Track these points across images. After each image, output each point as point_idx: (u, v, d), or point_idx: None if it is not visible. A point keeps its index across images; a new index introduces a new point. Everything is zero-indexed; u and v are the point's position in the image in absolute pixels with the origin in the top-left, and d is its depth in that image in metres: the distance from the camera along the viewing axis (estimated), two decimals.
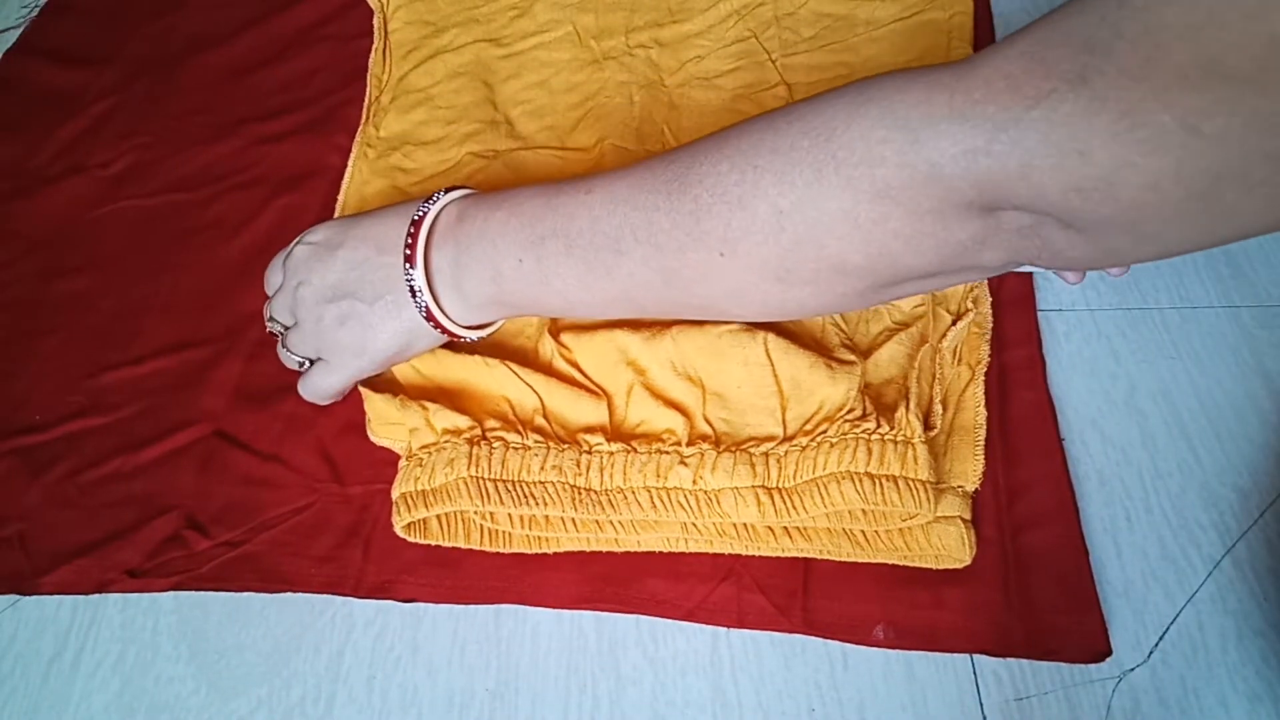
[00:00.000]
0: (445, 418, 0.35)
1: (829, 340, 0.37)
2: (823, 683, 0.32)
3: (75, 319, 0.44)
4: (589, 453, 0.34)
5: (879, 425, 0.32)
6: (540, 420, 0.35)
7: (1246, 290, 0.39)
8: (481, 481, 0.33)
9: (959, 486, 0.34)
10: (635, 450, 0.34)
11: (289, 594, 0.36)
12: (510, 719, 0.33)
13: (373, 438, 0.38)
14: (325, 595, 0.35)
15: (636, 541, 0.34)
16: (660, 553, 0.35)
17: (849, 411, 0.33)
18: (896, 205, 0.25)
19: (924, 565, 0.33)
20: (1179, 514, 0.34)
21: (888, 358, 0.36)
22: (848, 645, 0.33)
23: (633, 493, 0.33)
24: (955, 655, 0.32)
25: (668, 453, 0.34)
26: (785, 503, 0.32)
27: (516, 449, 0.34)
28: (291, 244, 0.37)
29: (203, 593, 0.36)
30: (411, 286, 0.33)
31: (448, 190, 0.35)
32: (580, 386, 0.36)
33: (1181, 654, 0.32)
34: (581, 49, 0.49)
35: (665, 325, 0.36)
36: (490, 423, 0.35)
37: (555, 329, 0.38)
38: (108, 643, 0.35)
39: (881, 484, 0.31)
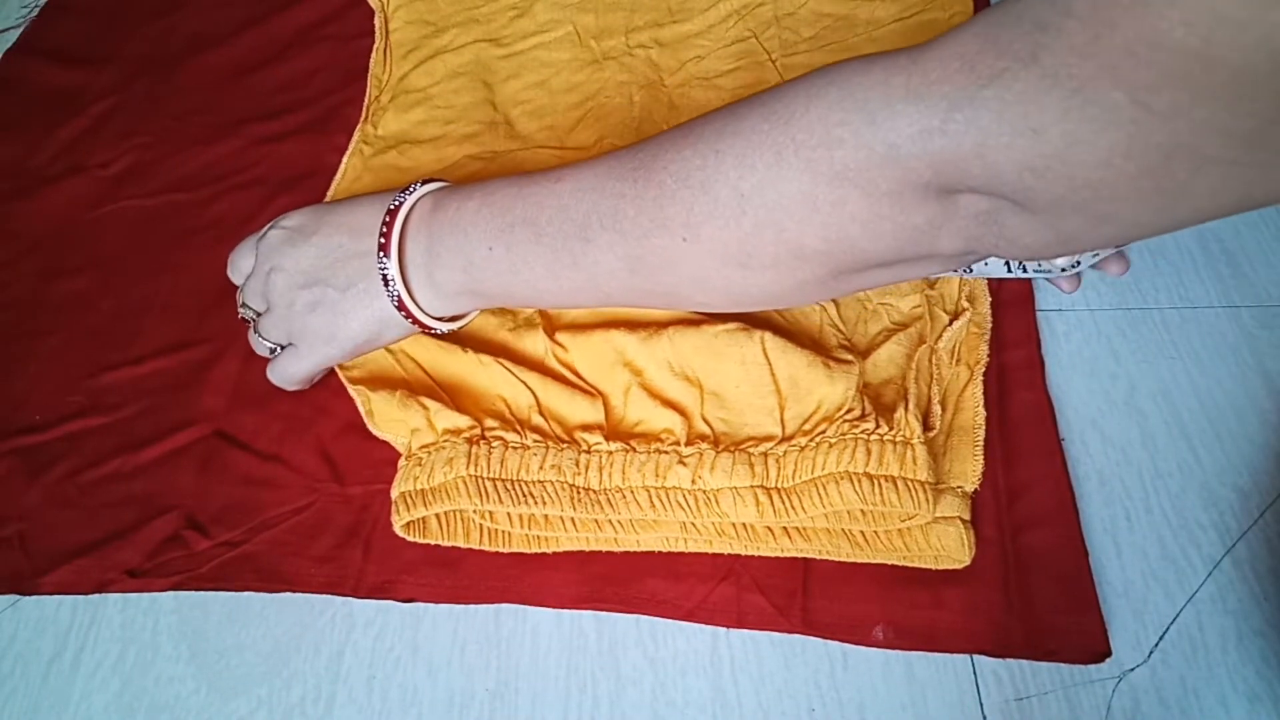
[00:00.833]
0: (446, 418, 0.35)
1: (827, 340, 0.37)
2: (823, 683, 0.32)
3: (75, 319, 0.44)
4: (588, 452, 0.34)
5: (878, 425, 0.32)
6: (537, 418, 0.35)
7: (1246, 290, 0.39)
8: (480, 480, 0.33)
9: (958, 487, 0.34)
10: (634, 450, 0.34)
11: (289, 594, 0.36)
12: (510, 719, 0.33)
13: (374, 431, 0.38)
14: (325, 595, 0.35)
15: (636, 541, 0.34)
16: (660, 552, 0.35)
17: (848, 411, 0.33)
18: (854, 188, 0.26)
19: (923, 565, 0.33)
20: (1179, 514, 0.34)
21: (886, 358, 0.36)
22: (848, 645, 0.33)
23: (632, 492, 0.33)
24: (955, 655, 0.32)
25: (666, 452, 0.34)
26: (784, 503, 0.32)
27: (515, 448, 0.34)
28: (265, 228, 0.37)
29: (203, 593, 0.36)
30: (384, 276, 0.33)
31: (425, 181, 0.35)
32: (574, 387, 0.36)
33: (1181, 654, 0.32)
34: (581, 49, 0.49)
35: (662, 325, 0.36)
36: (489, 422, 0.35)
37: (550, 327, 0.38)
38: (108, 643, 0.35)
39: (880, 484, 0.31)
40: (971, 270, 0.37)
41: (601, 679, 0.33)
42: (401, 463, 0.35)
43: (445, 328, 0.36)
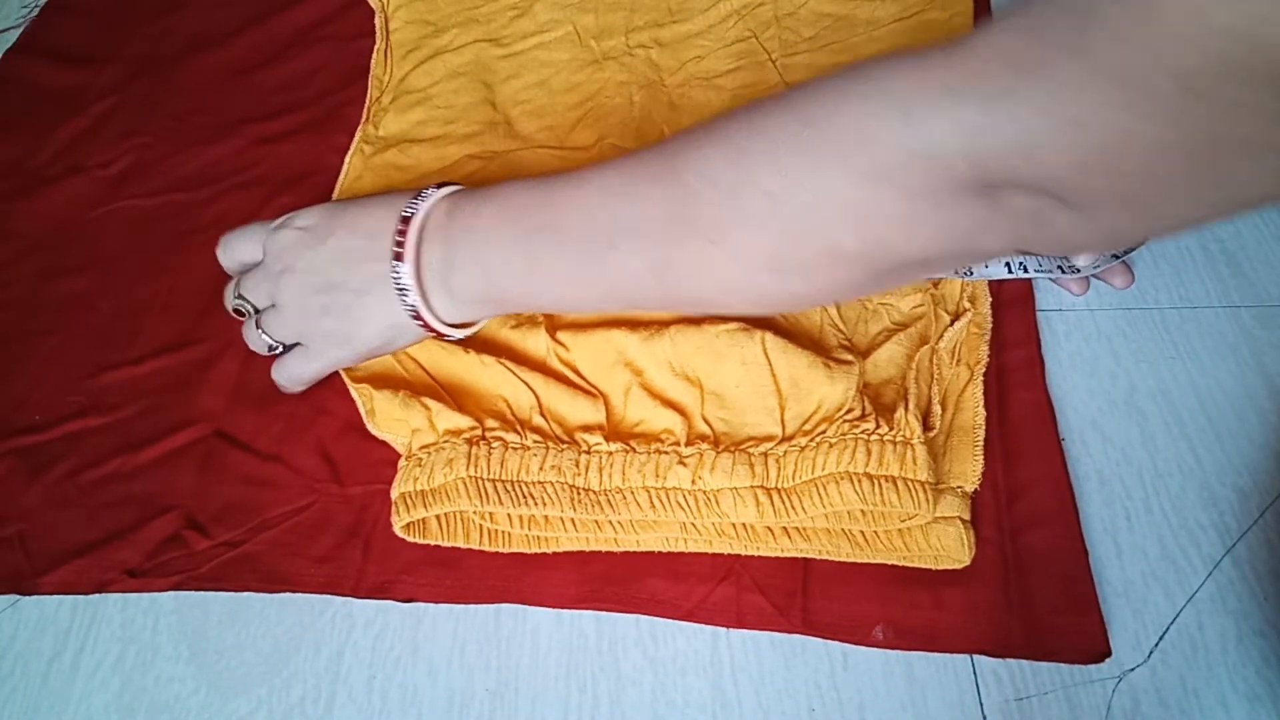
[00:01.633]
0: (447, 418, 0.35)
1: (827, 340, 0.37)
2: (823, 683, 0.32)
3: (75, 319, 0.44)
4: (588, 453, 0.34)
5: (878, 425, 0.32)
6: (538, 419, 0.35)
7: (1246, 290, 0.39)
8: (480, 481, 0.33)
9: (958, 487, 0.34)
10: (634, 450, 0.34)
11: (289, 594, 0.36)
12: (510, 719, 0.33)
13: (374, 431, 0.38)
14: (325, 595, 0.35)
15: (636, 541, 0.34)
16: (660, 553, 0.35)
17: (848, 411, 0.33)
18: (891, 187, 0.25)
19: (923, 566, 0.33)
20: (1179, 514, 0.34)
21: (886, 358, 0.36)
22: (848, 645, 0.33)
23: (631, 493, 0.33)
24: (955, 655, 0.32)
25: (666, 453, 0.34)
26: (784, 503, 0.32)
27: (515, 449, 0.34)
28: (275, 223, 0.37)
29: (203, 593, 0.36)
30: (399, 284, 0.33)
31: (440, 185, 0.35)
32: (576, 387, 0.36)
33: (1181, 654, 0.32)
34: (581, 49, 0.49)
35: (663, 325, 0.36)
36: (490, 422, 0.35)
37: (552, 326, 0.38)
38: (108, 643, 0.35)
39: (880, 484, 0.31)
40: (972, 273, 0.37)
41: (601, 679, 0.33)
42: (401, 463, 0.35)
43: (459, 334, 0.35)
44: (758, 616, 0.33)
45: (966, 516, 0.33)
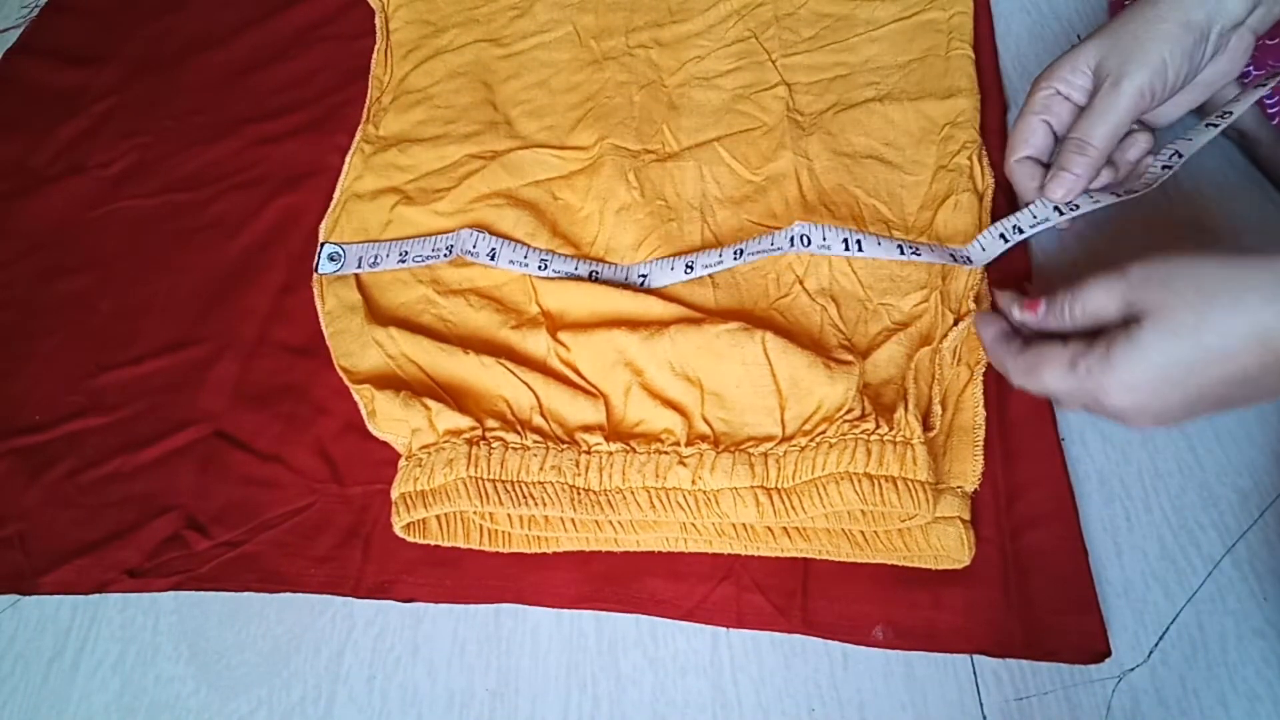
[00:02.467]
0: (448, 418, 0.35)
1: (827, 340, 0.37)
2: (823, 683, 0.32)
3: (75, 319, 0.44)
4: (588, 453, 0.34)
5: (878, 426, 0.32)
6: (538, 419, 0.35)
7: None
8: (480, 482, 0.33)
9: (958, 487, 0.34)
10: (634, 450, 0.34)
11: (289, 594, 0.36)
12: (510, 719, 0.33)
13: (375, 431, 0.38)
14: (325, 595, 0.35)
15: (636, 541, 0.34)
16: (660, 552, 0.35)
17: (848, 412, 0.33)
18: None
19: (923, 566, 0.33)
20: (1179, 514, 0.34)
21: (886, 358, 0.36)
22: (848, 645, 0.33)
23: (631, 493, 0.33)
24: (955, 655, 0.32)
25: (666, 453, 0.34)
26: (784, 503, 0.32)
27: (515, 449, 0.34)
28: None
29: (203, 593, 0.36)
30: None
31: None
32: (576, 387, 0.36)
33: (1181, 654, 0.32)
34: (581, 49, 0.49)
35: (663, 325, 0.36)
36: (490, 423, 0.35)
37: (553, 326, 0.38)
38: (108, 643, 0.35)
39: (880, 485, 0.31)
40: (971, 261, 0.37)
41: (601, 679, 0.33)
42: (401, 463, 0.35)
43: None
44: (758, 616, 0.33)
45: (966, 516, 0.33)
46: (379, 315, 0.40)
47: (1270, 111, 0.39)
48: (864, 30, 0.47)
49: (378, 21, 0.52)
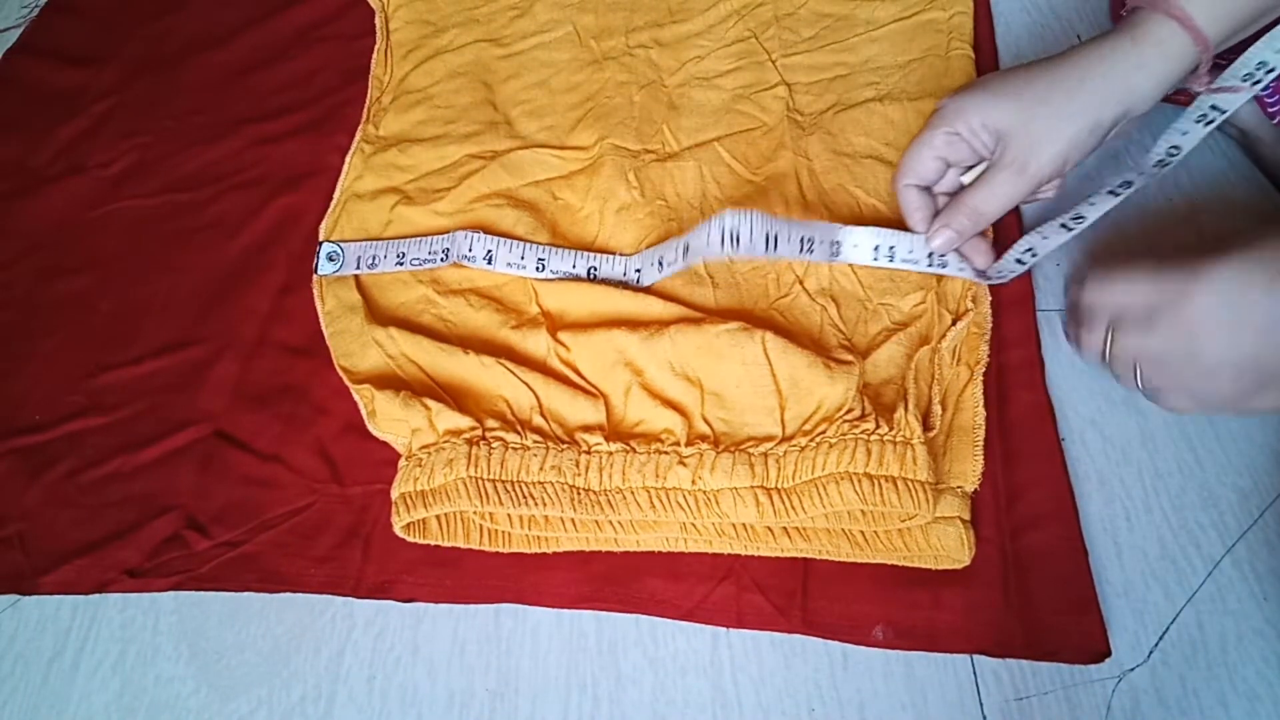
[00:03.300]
0: (448, 418, 0.35)
1: (827, 340, 0.37)
2: (823, 683, 0.32)
3: (75, 319, 0.44)
4: (588, 453, 0.34)
5: (878, 426, 0.32)
6: (538, 419, 0.35)
7: None
8: (480, 482, 0.33)
9: (958, 487, 0.34)
10: (634, 450, 0.34)
11: (289, 594, 0.36)
12: (510, 719, 0.33)
13: (374, 432, 0.38)
14: (325, 595, 0.35)
15: (636, 541, 0.34)
16: (660, 552, 0.35)
17: (848, 412, 0.33)
18: None
19: (923, 566, 0.33)
20: (1179, 514, 0.34)
21: (886, 358, 0.36)
22: (848, 645, 0.33)
23: (631, 493, 0.33)
24: (955, 655, 0.32)
25: (666, 453, 0.34)
26: (784, 503, 0.32)
27: (515, 449, 0.34)
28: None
29: (203, 593, 0.36)
30: None
31: None
32: (576, 387, 0.36)
33: (1181, 654, 0.32)
34: (581, 49, 0.49)
35: (663, 325, 0.36)
36: (490, 423, 0.35)
37: (553, 326, 0.38)
38: (108, 643, 0.35)
39: (880, 485, 0.31)
40: (988, 277, 0.37)
41: (601, 679, 0.33)
42: (401, 463, 0.35)
43: None
44: (758, 616, 0.33)
45: (966, 516, 0.33)
46: (379, 315, 0.40)
47: (1271, 111, 0.39)
48: (864, 30, 0.47)
49: (378, 21, 0.52)
